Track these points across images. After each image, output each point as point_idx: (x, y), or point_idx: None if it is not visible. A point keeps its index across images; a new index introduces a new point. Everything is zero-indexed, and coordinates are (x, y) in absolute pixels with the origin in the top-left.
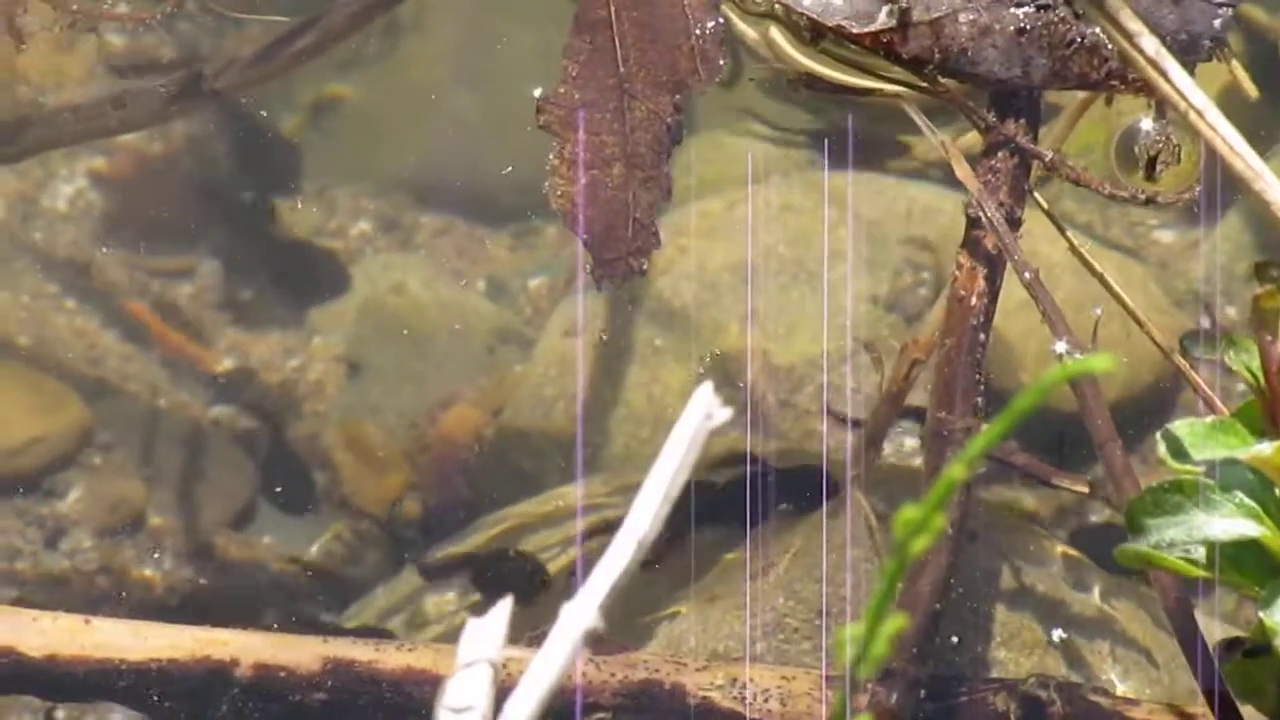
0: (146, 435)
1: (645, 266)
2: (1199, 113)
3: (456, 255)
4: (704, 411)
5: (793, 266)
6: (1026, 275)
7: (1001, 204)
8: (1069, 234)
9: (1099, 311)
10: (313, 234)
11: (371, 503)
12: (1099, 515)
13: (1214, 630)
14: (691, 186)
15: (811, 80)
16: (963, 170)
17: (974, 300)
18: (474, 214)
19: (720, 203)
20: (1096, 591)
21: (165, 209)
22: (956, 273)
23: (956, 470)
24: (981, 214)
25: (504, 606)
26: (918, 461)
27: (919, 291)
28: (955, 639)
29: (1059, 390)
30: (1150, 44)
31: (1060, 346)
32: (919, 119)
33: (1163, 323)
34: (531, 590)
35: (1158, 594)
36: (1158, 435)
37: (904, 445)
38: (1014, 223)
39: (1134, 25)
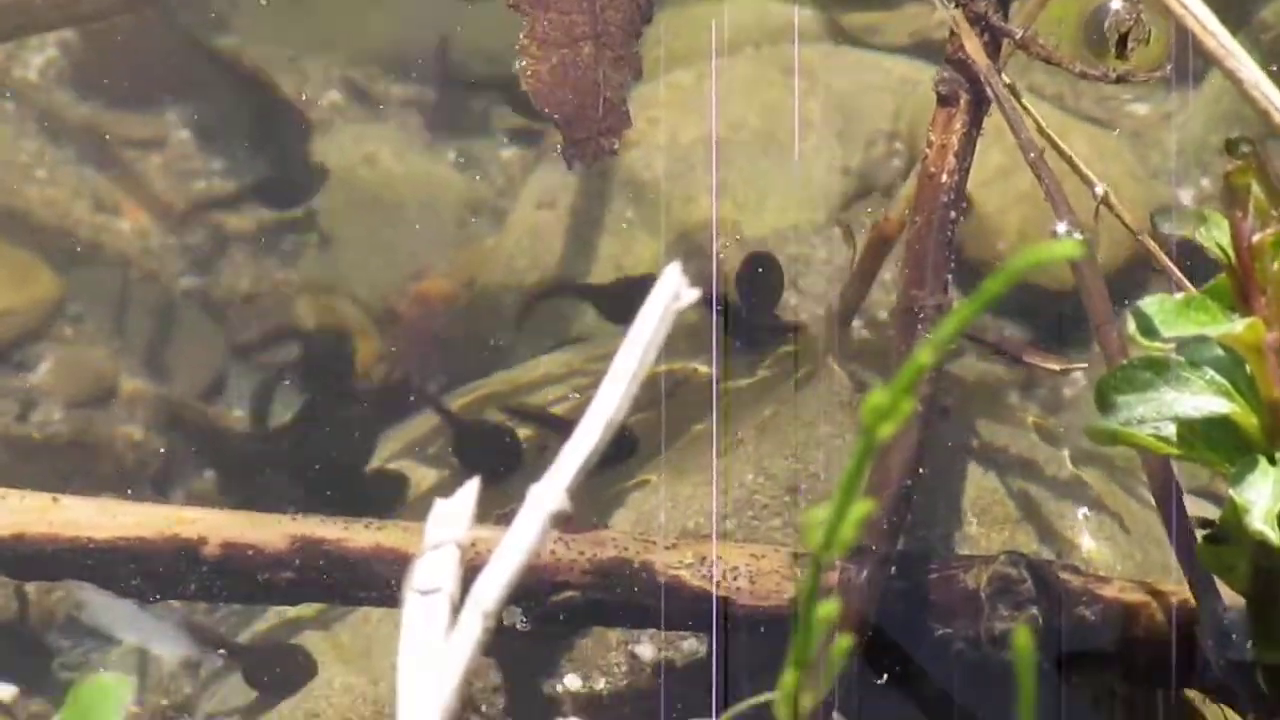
0: (117, 307)
1: (616, 146)
2: None
3: (427, 126)
4: (672, 291)
5: (763, 138)
6: (1031, 154)
7: (972, 81)
8: (1036, 114)
9: (1100, 190)
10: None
11: (343, 372)
12: (1072, 388)
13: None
14: (661, 59)
15: None
16: (972, 44)
17: (944, 178)
18: (445, 85)
19: (690, 75)
20: (1068, 466)
21: (136, 78)
22: (927, 150)
23: (924, 355)
24: (989, 89)
25: (471, 488)
26: (889, 335)
27: (891, 163)
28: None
29: (1053, 268)
30: None
31: (1061, 227)
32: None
33: (1137, 194)
34: (507, 461)
35: (1145, 473)
36: (1128, 312)
37: (876, 317)
38: (983, 101)
39: None
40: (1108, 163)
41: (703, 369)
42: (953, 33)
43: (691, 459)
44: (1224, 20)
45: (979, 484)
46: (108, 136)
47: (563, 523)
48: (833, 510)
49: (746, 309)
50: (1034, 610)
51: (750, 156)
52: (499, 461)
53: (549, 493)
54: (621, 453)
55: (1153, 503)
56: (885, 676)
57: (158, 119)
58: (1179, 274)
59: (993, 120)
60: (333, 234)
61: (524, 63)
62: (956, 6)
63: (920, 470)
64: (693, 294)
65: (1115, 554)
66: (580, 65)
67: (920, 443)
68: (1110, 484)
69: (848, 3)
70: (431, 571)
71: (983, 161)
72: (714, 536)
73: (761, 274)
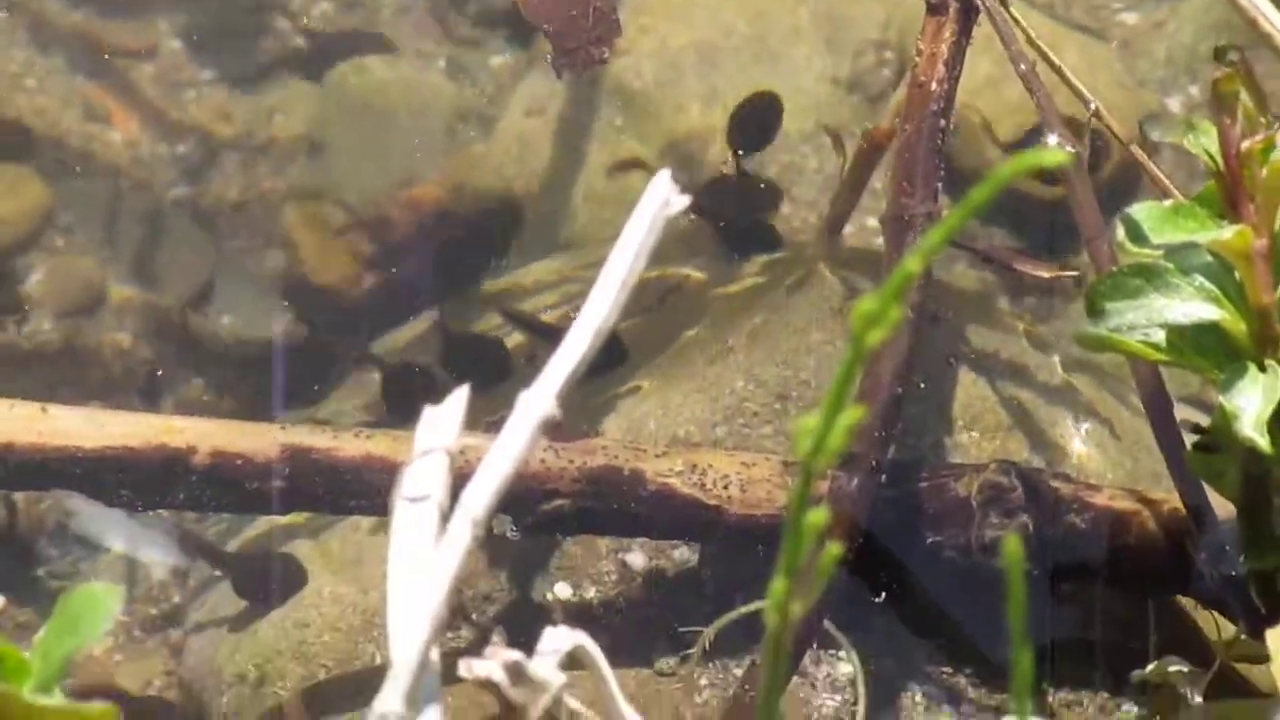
0: (108, 216)
1: (606, 55)
2: None
3: (417, 34)
4: (661, 198)
5: (754, 45)
6: (1022, 66)
7: None
8: (1026, 25)
9: (1095, 106)
10: (276, 13)
11: (332, 281)
12: (1062, 297)
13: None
14: None
15: None
16: None
17: (934, 86)
18: None
19: None
20: (1059, 373)
21: None
22: (916, 59)
23: (912, 263)
24: (979, 0)
25: (460, 395)
26: (879, 242)
27: (881, 72)
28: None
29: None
30: None
31: (1052, 139)
32: None
33: (1126, 103)
34: (496, 370)
35: (1134, 380)
36: (1117, 219)
37: (866, 225)
38: (973, 10)
39: None
40: (1097, 72)
41: (695, 275)
42: None
43: (682, 366)
44: None
45: (970, 392)
46: (100, 47)
47: (552, 429)
48: (822, 417)
49: (741, 150)
50: (1024, 518)
51: (740, 64)
52: (488, 371)
53: (539, 399)
54: (611, 360)
55: (1143, 410)
56: (875, 585)
57: (149, 27)
58: (1166, 182)
59: (982, 29)
60: (324, 141)
61: None
62: None
63: (911, 378)
64: (682, 200)
65: (1106, 461)
66: None
67: (911, 350)
68: (1101, 391)
69: None
70: (421, 479)
71: (972, 71)
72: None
73: (758, 114)
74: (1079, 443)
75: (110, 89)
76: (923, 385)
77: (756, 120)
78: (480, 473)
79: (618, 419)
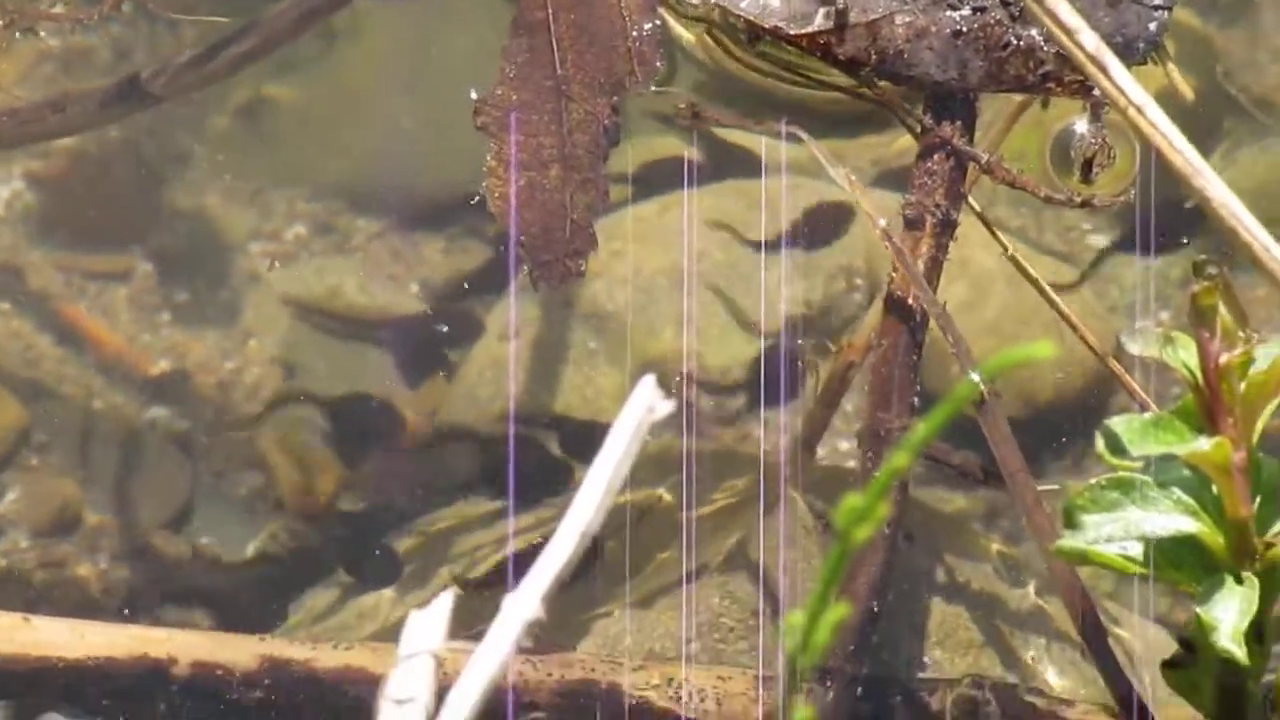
0: (83, 436)
1: (583, 268)
2: (1138, 109)
3: (391, 259)
4: (646, 404)
5: (727, 270)
6: (936, 311)
7: (938, 205)
8: (1003, 238)
9: (1064, 312)
10: (248, 237)
11: (306, 504)
12: None
13: (1149, 630)
14: (627, 190)
15: (696, 112)
16: (868, 205)
17: (910, 301)
18: (409, 218)
19: (654, 207)
20: (1031, 590)
21: (101, 211)
22: (893, 274)
23: (900, 458)
24: (889, 245)
25: (446, 599)
26: (852, 463)
27: (852, 297)
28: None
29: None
30: (1090, 40)
31: (975, 376)
32: (820, 153)
33: (1096, 328)
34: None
35: (1065, 605)
36: (1096, 432)
37: (839, 447)
38: (949, 225)
39: (1073, 21)
40: (1066, 300)
41: (667, 496)
42: (919, 158)
43: (657, 586)
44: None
45: (943, 609)
46: (72, 269)
47: (536, 632)
48: (808, 613)
49: None
50: None
51: (713, 288)
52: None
53: (524, 601)
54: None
55: (1118, 629)
56: None
57: (122, 251)
58: (1144, 395)
59: (958, 251)
60: (297, 364)
61: (490, 184)
62: (922, 131)
63: (886, 593)
64: (667, 406)
65: (1079, 679)
66: (547, 188)
67: (887, 565)
68: None
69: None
70: (406, 681)
71: (947, 293)
72: (683, 657)
73: None
74: (1051, 660)
75: (83, 312)
76: (894, 601)
77: None
78: (467, 672)
79: (593, 638)
